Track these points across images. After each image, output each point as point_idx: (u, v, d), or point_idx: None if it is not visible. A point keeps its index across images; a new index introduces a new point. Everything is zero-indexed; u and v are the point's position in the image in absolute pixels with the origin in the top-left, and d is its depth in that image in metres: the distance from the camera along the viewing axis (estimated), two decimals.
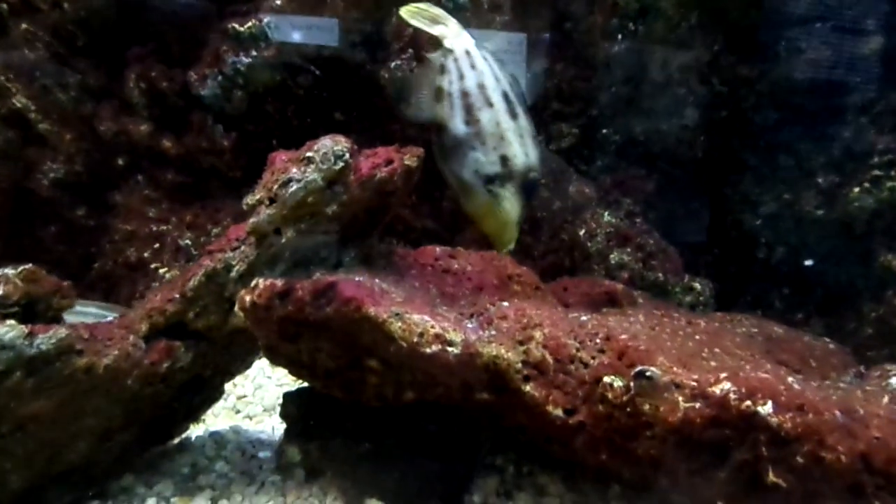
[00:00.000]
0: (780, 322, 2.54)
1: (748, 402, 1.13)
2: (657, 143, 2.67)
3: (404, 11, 1.40)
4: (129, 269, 2.76)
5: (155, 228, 2.80)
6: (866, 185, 2.22)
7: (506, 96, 1.37)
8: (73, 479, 1.29)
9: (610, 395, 1.22)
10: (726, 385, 1.16)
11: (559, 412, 1.25)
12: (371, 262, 1.49)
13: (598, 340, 1.31)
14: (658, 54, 2.48)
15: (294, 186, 1.19)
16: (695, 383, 1.18)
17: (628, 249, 2.42)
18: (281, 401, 1.59)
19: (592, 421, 1.24)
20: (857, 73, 2.27)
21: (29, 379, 1.12)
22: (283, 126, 2.87)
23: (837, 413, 1.16)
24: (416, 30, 1.39)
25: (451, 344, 1.23)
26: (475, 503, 1.47)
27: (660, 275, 2.38)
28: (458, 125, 1.35)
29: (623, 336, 1.31)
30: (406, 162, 1.38)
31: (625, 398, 1.21)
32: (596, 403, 1.24)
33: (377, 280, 1.34)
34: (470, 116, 1.34)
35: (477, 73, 1.34)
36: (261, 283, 1.22)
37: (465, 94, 1.34)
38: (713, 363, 1.28)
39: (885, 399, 1.24)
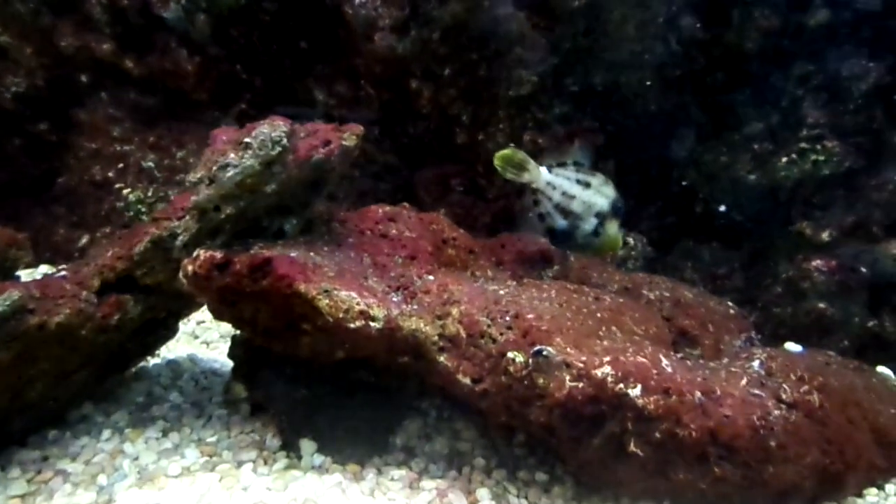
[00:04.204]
0: (706, 274, 2.77)
1: (621, 385, 1.33)
2: (612, 96, 2.75)
3: (498, 164, 1.84)
4: (94, 187, 2.84)
5: (119, 148, 2.86)
6: (793, 155, 2.36)
7: (578, 181, 1.84)
8: (34, 412, 1.47)
9: (511, 369, 1.41)
10: (606, 369, 1.35)
11: (467, 380, 1.44)
12: (312, 228, 1.62)
13: (507, 318, 1.48)
14: (618, 10, 2.51)
15: (231, 171, 1.30)
16: (581, 364, 1.37)
17: None
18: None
19: (495, 389, 1.43)
20: (801, 46, 2.34)
21: None
22: (249, 51, 2.88)
23: (698, 393, 1.37)
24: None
25: (373, 319, 1.39)
26: (398, 444, 1.68)
27: None
28: (562, 225, 1.86)
29: (530, 315, 1.48)
30: (344, 142, 1.48)
31: (524, 372, 1.40)
32: (499, 375, 1.43)
33: (312, 253, 1.48)
34: (567, 215, 1.83)
35: (558, 190, 1.82)
36: (202, 254, 1.35)
37: (557, 207, 1.84)
38: (605, 343, 1.47)
39: (744, 381, 1.45)
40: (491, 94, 2.78)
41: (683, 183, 2.80)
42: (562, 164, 1.85)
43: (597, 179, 1.85)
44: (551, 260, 2.14)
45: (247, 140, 1.32)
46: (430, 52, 2.72)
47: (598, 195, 1.84)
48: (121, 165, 2.85)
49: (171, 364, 1.99)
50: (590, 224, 1.84)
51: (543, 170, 1.83)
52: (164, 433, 1.65)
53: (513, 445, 1.68)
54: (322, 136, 1.47)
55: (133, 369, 1.90)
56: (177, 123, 2.94)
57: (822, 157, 2.30)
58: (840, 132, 2.29)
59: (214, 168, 1.32)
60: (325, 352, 1.52)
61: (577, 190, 1.82)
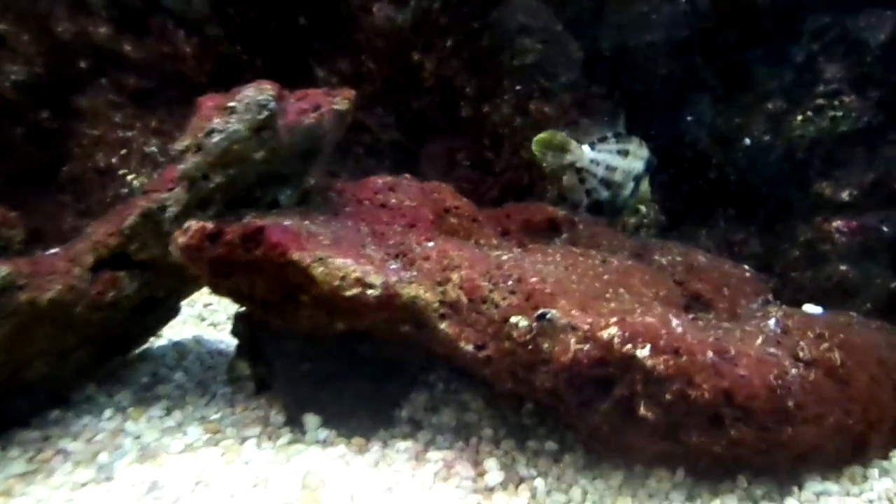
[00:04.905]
0: (722, 240, 2.69)
1: (629, 346, 1.28)
2: (620, 61, 2.67)
3: (537, 150, 1.83)
4: (98, 174, 2.82)
5: (121, 134, 2.83)
6: (809, 113, 2.27)
7: (619, 151, 1.85)
8: (35, 392, 1.45)
9: (515, 334, 1.36)
10: (613, 330, 1.30)
11: (470, 347, 1.40)
12: (308, 199, 1.58)
13: (510, 282, 1.43)
14: None
15: (216, 137, 1.26)
16: (587, 326, 1.32)
17: None
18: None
19: (499, 356, 1.39)
20: None
21: None
22: (247, 31, 2.84)
23: (710, 353, 1.31)
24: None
25: (371, 286, 1.35)
26: (404, 417, 1.64)
27: None
28: (606, 196, 1.89)
29: (533, 279, 1.43)
30: (336, 106, 1.44)
31: (527, 337, 1.36)
32: (503, 340, 1.38)
33: (307, 222, 1.44)
34: (610, 186, 1.86)
35: (602, 165, 1.83)
36: (192, 225, 1.32)
37: (601, 181, 1.85)
38: (612, 305, 1.42)
39: (759, 340, 1.39)
40: (495, 64, 2.72)
41: (696, 148, 2.72)
42: (603, 139, 1.85)
43: (633, 145, 1.87)
44: (559, 228, 2.08)
45: (231, 104, 1.28)
46: (430, 22, 2.66)
47: (635, 160, 1.88)
48: (124, 151, 2.83)
49: (177, 346, 1.97)
50: (629, 189, 1.89)
51: (586, 148, 1.83)
52: (168, 412, 1.62)
53: (521, 415, 1.64)
54: (312, 100, 1.42)
55: (137, 351, 1.88)
56: (178, 107, 2.91)
57: (839, 114, 2.21)
58: (858, 87, 2.20)
59: (200, 135, 1.28)
60: (325, 324, 1.49)
61: (618, 161, 1.85)
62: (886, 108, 2.19)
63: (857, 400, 1.35)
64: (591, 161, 1.83)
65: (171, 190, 1.36)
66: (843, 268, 2.27)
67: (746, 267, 2.04)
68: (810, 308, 1.97)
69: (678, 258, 1.98)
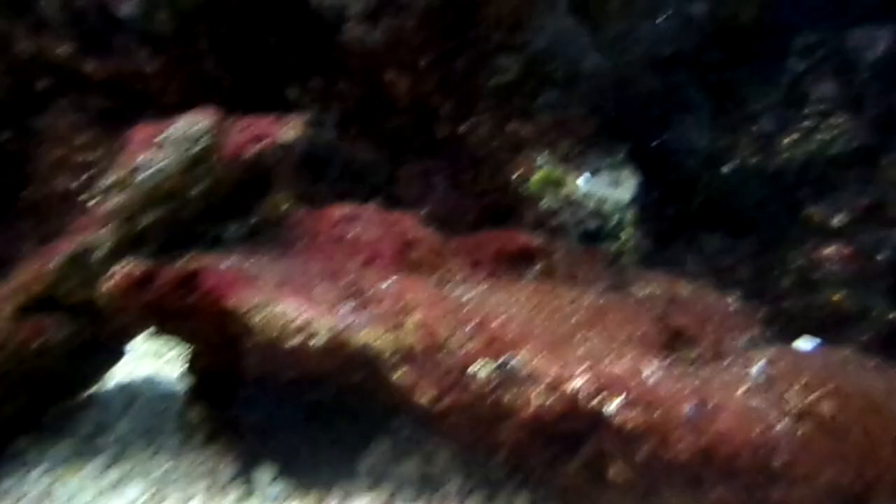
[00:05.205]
0: (710, 266, 2.58)
1: (596, 400, 1.16)
2: (601, 80, 2.57)
3: (535, 189, 1.95)
4: (59, 199, 2.71)
5: (82, 157, 2.72)
6: (798, 134, 2.16)
7: (609, 182, 1.90)
8: None
9: (474, 385, 1.25)
10: (579, 382, 1.18)
11: (426, 399, 1.27)
12: (258, 232, 1.47)
13: (470, 326, 1.31)
14: None
15: (144, 174, 1.15)
16: (552, 377, 1.20)
17: (560, 195, 2.38)
18: None
19: (458, 408, 1.26)
20: (802, 15, 2.15)
21: None
22: (217, 49, 2.73)
23: (687, 406, 1.19)
24: None
25: (314, 335, 1.23)
26: (365, 468, 1.53)
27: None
28: (594, 226, 1.90)
29: (495, 321, 1.32)
30: (282, 137, 1.32)
31: (488, 388, 1.24)
32: (462, 391, 1.26)
33: (251, 261, 1.32)
34: (599, 217, 1.88)
35: (593, 197, 1.86)
36: (121, 269, 1.20)
37: (592, 212, 1.88)
38: (581, 350, 1.30)
39: (742, 388, 1.27)
40: (471, 83, 2.62)
41: (682, 169, 2.62)
42: (596, 171, 1.91)
43: (622, 175, 1.95)
44: (534, 257, 1.97)
45: (160, 139, 1.16)
46: (404, 41, 2.56)
47: (624, 190, 1.92)
48: (87, 175, 2.71)
49: (126, 388, 1.84)
50: (616, 219, 1.92)
51: (581, 181, 1.87)
52: (107, 467, 1.50)
53: (490, 467, 1.52)
54: (257, 129, 1.32)
55: (85, 394, 1.76)
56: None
57: (830, 135, 2.11)
58: (849, 107, 2.09)
59: (127, 171, 1.16)
60: (274, 371, 1.37)
61: (609, 192, 1.89)
62: (880, 128, 2.08)
63: (851, 456, 1.23)
64: (585, 195, 1.85)
65: (99, 230, 1.25)
66: (837, 297, 2.15)
67: (731, 299, 1.93)
68: (803, 343, 1.86)
69: (658, 290, 1.87)
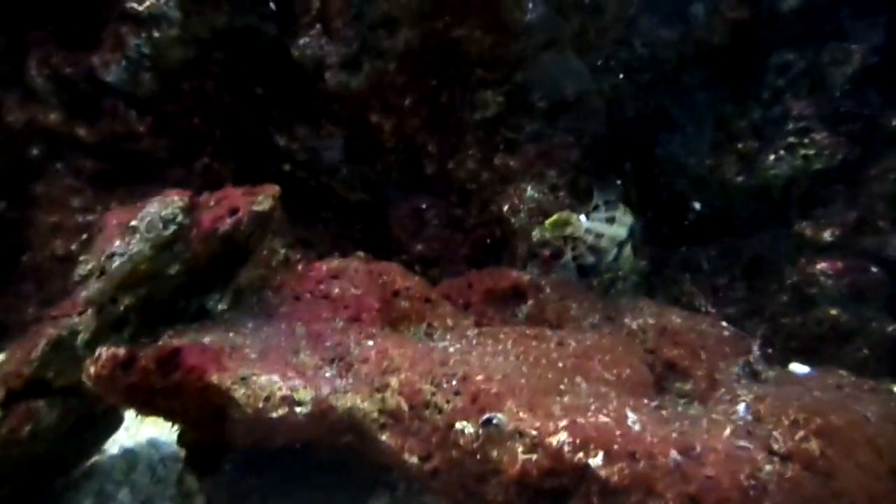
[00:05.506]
0: (706, 287, 2.57)
1: (580, 455, 1.16)
2: (584, 107, 2.59)
3: (549, 234, 2.03)
4: (58, 263, 2.75)
5: (80, 219, 2.77)
6: (781, 152, 2.16)
7: (607, 219, 1.95)
8: None
9: (461, 442, 1.25)
10: (562, 436, 1.18)
11: (414, 459, 1.28)
12: (240, 301, 1.48)
13: (454, 382, 1.32)
14: (575, 19, 2.35)
15: (118, 261, 1.17)
16: (536, 432, 1.20)
17: None
18: None
19: (446, 467, 1.27)
20: (777, 34, 2.15)
21: None
22: (203, 104, 2.78)
23: (673, 453, 1.19)
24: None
25: (299, 404, 1.24)
26: None
27: None
28: (591, 261, 1.97)
29: (479, 376, 1.32)
30: (255, 208, 1.34)
31: (474, 445, 1.24)
32: (449, 449, 1.26)
33: (232, 334, 1.34)
34: (596, 253, 1.95)
35: (592, 233, 1.92)
36: (103, 353, 1.22)
37: (589, 248, 1.94)
38: (566, 400, 1.30)
39: (728, 430, 1.26)
40: (456, 119, 2.64)
41: (673, 190, 2.62)
42: (595, 209, 1.96)
43: (619, 212, 1.98)
44: (525, 295, 1.98)
45: (133, 224, 1.19)
46: (387, 84, 2.59)
47: (620, 227, 1.97)
48: (84, 237, 2.75)
49: (127, 454, 1.85)
50: (612, 254, 1.98)
51: (582, 218, 1.93)
52: None
53: None
54: (230, 203, 1.33)
55: (88, 463, 1.77)
56: (139, 186, 2.82)
57: (811, 151, 2.10)
58: (829, 122, 2.09)
59: (103, 258, 1.19)
60: (263, 439, 1.38)
61: (605, 228, 1.95)
62: (862, 143, 2.08)
63: (843, 494, 1.22)
64: (586, 231, 1.93)
65: (80, 314, 1.27)
66: (833, 312, 2.14)
67: (725, 324, 1.92)
68: (797, 367, 1.85)
69: (651, 320, 1.87)
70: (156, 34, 2.53)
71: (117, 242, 1.18)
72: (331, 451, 1.51)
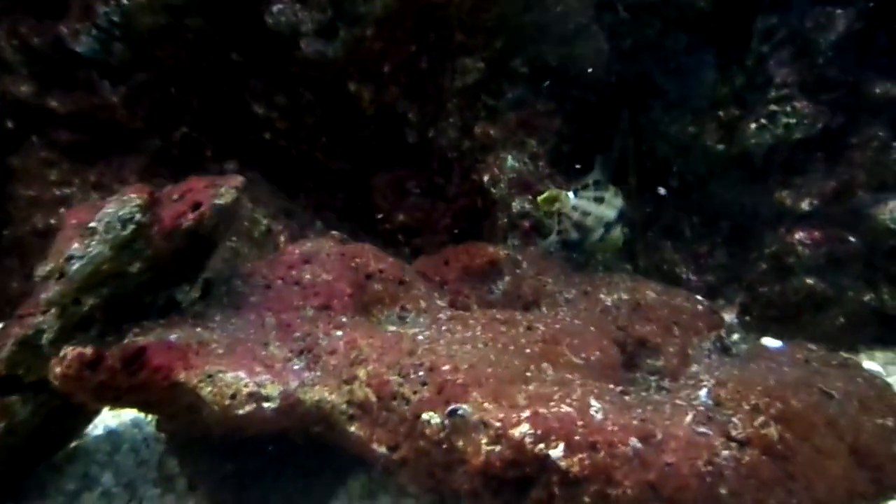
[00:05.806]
0: (687, 254, 2.57)
1: (541, 445, 1.18)
2: (567, 73, 2.53)
3: (542, 210, 2.04)
4: (38, 237, 2.74)
5: (58, 192, 2.74)
6: (763, 120, 2.13)
7: (595, 198, 2.00)
8: None
9: (428, 432, 1.27)
10: (524, 427, 1.20)
11: (383, 449, 1.30)
12: (210, 291, 1.48)
13: (421, 372, 1.33)
14: None
15: (77, 263, 1.16)
16: (499, 423, 1.22)
17: (529, 197, 2.37)
18: None
19: (414, 456, 1.29)
20: None
21: None
22: (179, 72, 2.72)
23: (633, 441, 1.21)
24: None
25: (267, 399, 1.26)
26: None
27: None
28: (575, 237, 2.01)
29: (446, 367, 1.33)
30: (217, 202, 1.33)
31: (441, 435, 1.26)
32: (416, 440, 1.29)
33: (200, 328, 1.34)
34: (581, 229, 1.99)
35: (579, 210, 1.97)
36: (69, 353, 1.22)
37: (575, 224, 1.99)
38: (531, 388, 1.32)
39: (689, 417, 1.28)
40: (436, 86, 2.59)
41: (656, 156, 2.59)
42: (585, 187, 2.01)
43: (609, 193, 2.02)
44: (501, 271, 1.98)
45: (92, 225, 1.17)
46: (364, 50, 2.52)
47: (608, 208, 2.01)
48: (63, 210, 2.74)
49: (112, 435, 1.89)
50: (598, 234, 2.01)
51: (571, 195, 1.99)
52: None
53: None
54: (193, 197, 1.32)
55: (72, 445, 1.81)
56: (117, 157, 2.80)
57: (793, 120, 2.07)
58: (811, 90, 2.05)
59: (61, 260, 1.18)
60: (236, 430, 1.40)
61: (593, 207, 1.99)
62: (844, 111, 2.04)
63: (800, 477, 1.25)
64: (573, 207, 1.97)
65: (44, 313, 1.27)
66: (809, 281, 2.14)
67: (699, 297, 1.93)
68: (769, 341, 1.87)
69: (625, 295, 1.88)
70: (124, 1, 2.44)
71: (75, 245, 1.17)
72: (306, 437, 1.54)
